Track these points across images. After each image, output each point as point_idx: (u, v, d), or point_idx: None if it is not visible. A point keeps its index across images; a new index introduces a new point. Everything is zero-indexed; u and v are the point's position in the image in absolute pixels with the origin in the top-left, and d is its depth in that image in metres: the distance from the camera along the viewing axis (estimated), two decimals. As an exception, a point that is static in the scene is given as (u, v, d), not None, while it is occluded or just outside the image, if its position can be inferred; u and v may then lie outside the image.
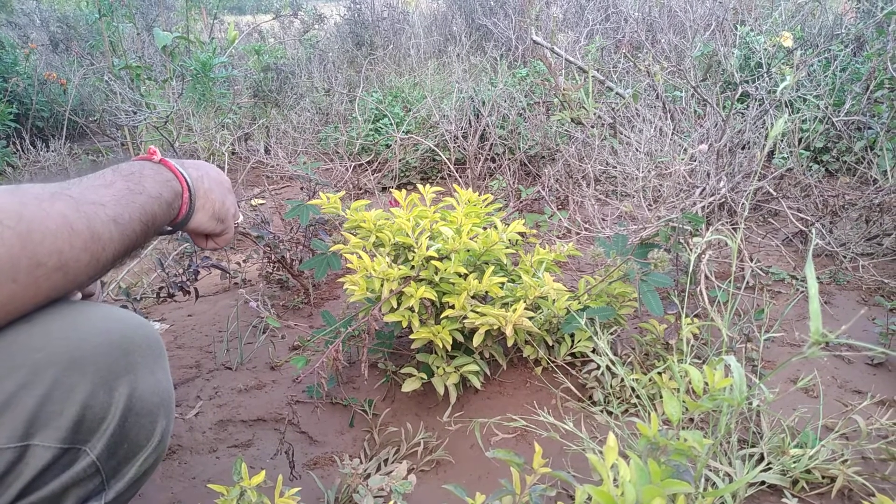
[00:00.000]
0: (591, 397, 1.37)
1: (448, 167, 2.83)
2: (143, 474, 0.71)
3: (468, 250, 1.35)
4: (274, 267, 2.04)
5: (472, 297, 1.32)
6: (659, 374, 1.27)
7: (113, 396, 0.64)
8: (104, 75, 3.85)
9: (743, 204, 1.25)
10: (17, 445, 0.58)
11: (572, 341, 1.43)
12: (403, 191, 1.50)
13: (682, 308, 1.18)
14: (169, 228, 0.82)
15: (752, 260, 1.94)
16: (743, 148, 1.82)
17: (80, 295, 0.82)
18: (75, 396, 0.61)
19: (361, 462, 1.25)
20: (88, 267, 0.63)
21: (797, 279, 1.88)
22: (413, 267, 1.33)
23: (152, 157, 0.78)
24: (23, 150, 3.67)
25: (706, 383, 0.74)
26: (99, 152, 4.06)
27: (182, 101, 3.40)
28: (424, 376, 1.37)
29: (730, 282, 1.11)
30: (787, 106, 2.38)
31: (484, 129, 2.90)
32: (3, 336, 0.59)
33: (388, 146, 3.27)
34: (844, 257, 1.94)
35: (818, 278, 1.91)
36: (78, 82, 4.39)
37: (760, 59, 2.62)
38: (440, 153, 2.82)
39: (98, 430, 0.64)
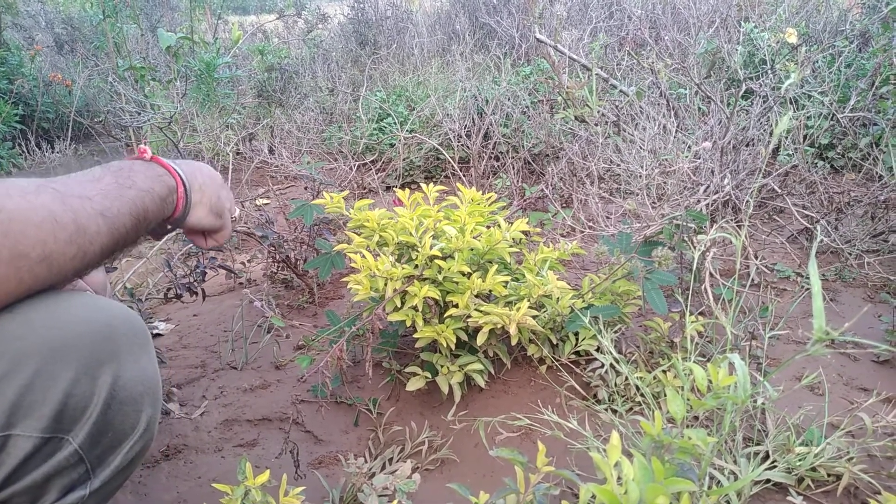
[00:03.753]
0: (595, 396, 1.37)
1: (452, 166, 2.83)
2: (129, 463, 0.71)
3: (472, 249, 1.35)
4: (278, 267, 2.05)
5: (476, 296, 1.32)
6: (663, 372, 1.27)
7: (96, 385, 0.64)
8: (109, 76, 3.86)
9: (747, 201, 1.24)
10: None
11: (576, 340, 1.43)
12: (407, 190, 1.50)
13: (687, 306, 1.18)
14: (169, 226, 0.82)
15: (756, 257, 1.93)
16: (747, 145, 1.81)
17: (90, 289, 0.82)
18: (57, 385, 0.61)
19: (366, 461, 1.25)
20: (74, 260, 0.63)
21: (802, 276, 1.88)
22: (417, 266, 1.33)
23: (143, 156, 0.78)
24: (28, 152, 3.69)
25: (710, 381, 0.74)
26: (104, 153, 4.08)
27: (186, 102, 3.41)
28: (429, 375, 1.37)
29: (734, 279, 1.11)
30: (791, 102, 2.37)
31: (487, 128, 2.90)
32: None
33: (391, 145, 3.27)
34: (850, 254, 1.93)
35: (824, 275, 1.90)
36: (83, 83, 4.41)
37: (765, 55, 2.61)
38: (444, 152, 2.82)
39: (81, 418, 0.64)
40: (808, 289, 1.79)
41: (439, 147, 2.89)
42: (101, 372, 0.65)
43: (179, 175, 0.79)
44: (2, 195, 0.58)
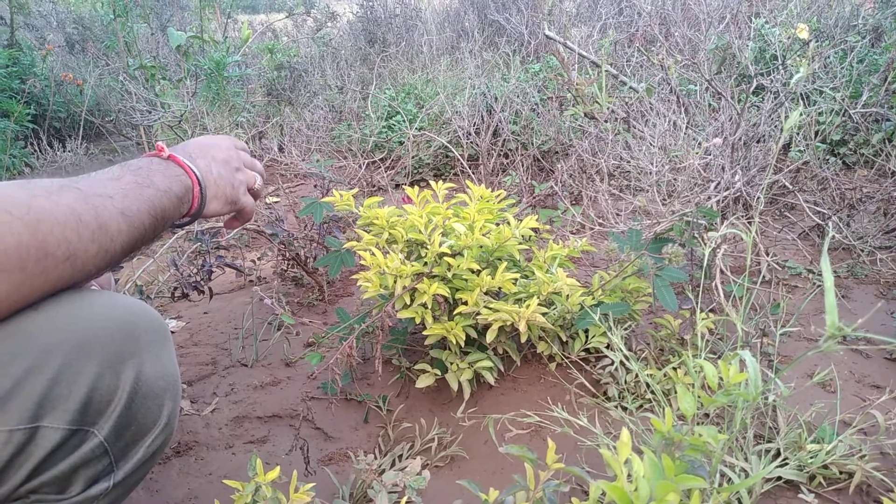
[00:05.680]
0: (605, 393, 1.37)
1: (461, 163, 2.82)
2: (150, 456, 0.73)
3: (481, 246, 1.35)
4: (288, 264, 2.05)
5: (486, 294, 1.32)
6: (674, 369, 1.27)
7: (119, 379, 0.66)
8: (119, 75, 3.88)
9: (758, 198, 1.23)
10: (27, 427, 0.60)
11: (586, 337, 1.43)
12: (416, 187, 1.50)
13: (697, 303, 1.17)
14: (187, 220, 0.83)
15: (767, 254, 1.92)
16: (758, 141, 1.80)
17: (95, 285, 0.83)
18: (82, 379, 0.63)
19: (376, 458, 1.26)
20: (97, 258, 0.65)
21: (814, 273, 1.86)
22: (426, 263, 1.33)
23: (161, 154, 0.79)
24: (40, 151, 3.72)
25: (721, 378, 0.74)
26: (115, 152, 4.10)
27: (196, 100, 3.42)
28: (438, 372, 1.37)
29: (745, 276, 1.10)
30: (803, 98, 2.35)
31: (497, 125, 2.89)
32: (11, 323, 0.61)
33: (400, 143, 3.27)
34: (862, 251, 1.91)
35: (835, 272, 1.88)
36: (94, 83, 4.44)
37: (776, 51, 2.59)
38: (453, 150, 2.82)
39: (105, 411, 0.65)
40: (819, 285, 1.78)
41: (448, 145, 2.89)
42: (124, 367, 0.66)
43: (195, 174, 0.81)
44: (27, 195, 0.59)
